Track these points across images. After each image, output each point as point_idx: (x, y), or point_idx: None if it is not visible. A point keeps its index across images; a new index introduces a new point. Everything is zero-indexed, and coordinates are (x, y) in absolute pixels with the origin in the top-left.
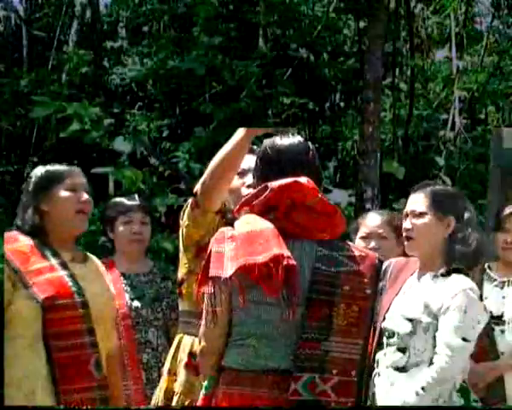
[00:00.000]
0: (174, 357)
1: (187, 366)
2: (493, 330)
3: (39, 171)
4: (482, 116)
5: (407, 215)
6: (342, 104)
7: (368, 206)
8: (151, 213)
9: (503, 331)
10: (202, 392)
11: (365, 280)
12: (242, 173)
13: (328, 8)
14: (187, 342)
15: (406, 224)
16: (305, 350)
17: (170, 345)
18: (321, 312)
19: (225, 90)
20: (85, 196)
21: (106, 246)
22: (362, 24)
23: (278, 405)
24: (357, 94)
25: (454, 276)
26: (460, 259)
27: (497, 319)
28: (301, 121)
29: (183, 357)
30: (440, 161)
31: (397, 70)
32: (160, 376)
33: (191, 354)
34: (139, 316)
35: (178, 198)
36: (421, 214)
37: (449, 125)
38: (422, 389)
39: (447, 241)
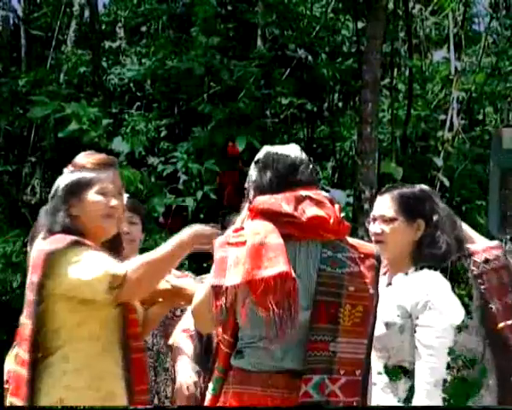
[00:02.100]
0: None
1: None
2: None
3: (70, 177)
4: (480, 117)
5: (375, 219)
6: (340, 105)
7: (366, 206)
8: (141, 211)
9: None
10: (209, 392)
11: (367, 280)
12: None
13: (326, 8)
14: None
15: (375, 228)
16: (314, 352)
17: (166, 344)
18: (328, 313)
19: (224, 91)
20: (114, 202)
21: None
22: (360, 24)
23: (289, 405)
24: (356, 94)
25: (424, 272)
26: (429, 260)
27: None
28: (299, 122)
29: None
30: (438, 161)
31: (395, 70)
32: (156, 375)
33: None
34: None
35: (176, 198)
36: (391, 220)
37: (447, 125)
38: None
39: (417, 243)
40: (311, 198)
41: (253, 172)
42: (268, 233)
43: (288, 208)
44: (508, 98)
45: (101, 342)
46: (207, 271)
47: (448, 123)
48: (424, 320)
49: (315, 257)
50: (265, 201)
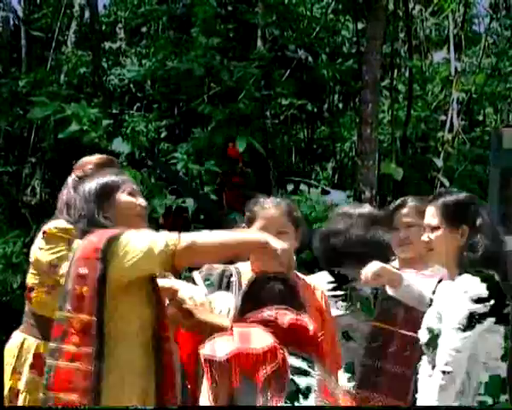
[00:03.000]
0: (18, 357)
1: (32, 365)
2: None
3: (96, 182)
4: (480, 117)
5: (425, 228)
6: (340, 105)
7: None
8: None
9: None
10: None
11: None
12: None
13: (326, 9)
14: (31, 344)
15: (424, 237)
16: None
17: None
18: None
19: (224, 91)
20: (143, 201)
21: None
22: (360, 25)
23: None
24: (356, 95)
25: (462, 277)
26: (468, 266)
27: None
28: (299, 122)
29: (28, 357)
30: (438, 162)
31: (395, 71)
32: None
33: (36, 355)
34: None
35: (177, 199)
36: (436, 228)
37: (447, 126)
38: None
39: (461, 249)
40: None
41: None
42: (253, 327)
43: (269, 317)
44: (508, 99)
45: (140, 340)
46: None
47: (448, 124)
48: (448, 323)
49: None
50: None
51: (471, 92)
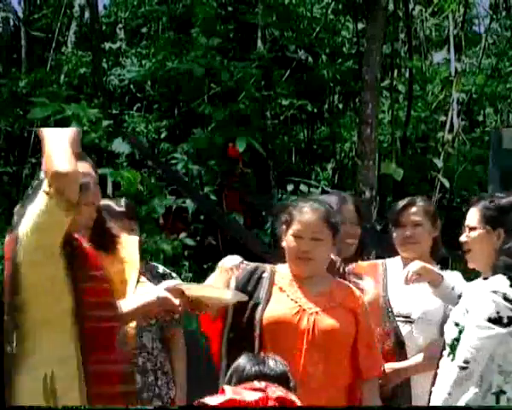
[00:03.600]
0: None
1: None
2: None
3: None
4: (480, 118)
5: (464, 230)
6: (340, 106)
7: None
8: (137, 216)
9: (411, 332)
10: None
11: None
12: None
13: (326, 9)
14: None
15: (462, 237)
16: None
17: (164, 348)
18: None
19: (224, 92)
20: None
21: None
22: (360, 25)
23: None
24: (356, 95)
25: (493, 277)
26: (504, 269)
27: (405, 318)
28: (300, 123)
29: None
30: (439, 162)
31: (395, 72)
32: (156, 379)
33: None
34: None
35: (177, 199)
36: (473, 228)
37: (447, 126)
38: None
39: (497, 252)
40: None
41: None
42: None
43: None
44: (508, 99)
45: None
46: (207, 271)
47: (448, 124)
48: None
49: None
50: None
51: (471, 93)
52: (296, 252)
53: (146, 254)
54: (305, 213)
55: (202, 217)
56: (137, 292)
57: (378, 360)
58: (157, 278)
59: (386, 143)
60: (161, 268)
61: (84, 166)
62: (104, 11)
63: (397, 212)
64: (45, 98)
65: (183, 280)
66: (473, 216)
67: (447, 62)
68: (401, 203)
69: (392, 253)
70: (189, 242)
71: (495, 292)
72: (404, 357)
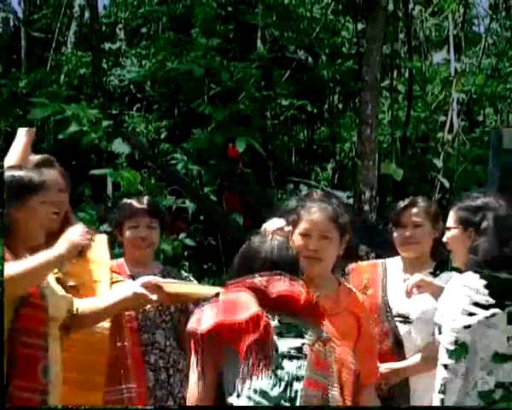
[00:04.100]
0: None
1: None
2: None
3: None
4: (480, 118)
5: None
6: (340, 106)
7: (366, 207)
8: (160, 214)
9: (409, 332)
10: None
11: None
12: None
13: (326, 9)
14: None
15: (443, 238)
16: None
17: (179, 347)
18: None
19: (224, 92)
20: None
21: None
22: (360, 26)
23: None
24: (356, 96)
25: (462, 274)
26: (475, 267)
27: (404, 318)
28: (299, 123)
29: None
30: (438, 163)
31: (395, 72)
32: (168, 376)
33: None
34: (146, 318)
35: (177, 200)
36: (449, 229)
37: (447, 127)
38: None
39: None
40: (285, 276)
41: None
42: (240, 293)
43: (260, 283)
44: (508, 99)
45: None
46: (207, 271)
47: (448, 124)
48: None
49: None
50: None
51: (471, 93)
52: (303, 250)
53: None
54: (314, 212)
55: (202, 217)
56: (115, 290)
57: (377, 366)
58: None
59: (386, 143)
60: (174, 270)
61: (50, 174)
62: (104, 11)
63: (397, 212)
64: (45, 98)
65: None
66: (450, 217)
67: (447, 62)
68: (402, 204)
69: (392, 253)
70: (189, 242)
71: (464, 286)
72: (402, 357)
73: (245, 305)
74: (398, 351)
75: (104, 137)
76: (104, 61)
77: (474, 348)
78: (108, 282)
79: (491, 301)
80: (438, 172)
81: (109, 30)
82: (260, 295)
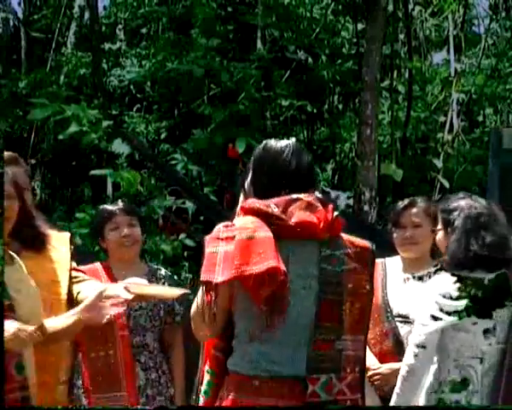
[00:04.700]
0: None
1: None
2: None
3: None
4: (480, 118)
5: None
6: (340, 106)
7: (366, 208)
8: (138, 213)
9: (410, 332)
10: (201, 395)
11: (364, 277)
12: None
13: (326, 10)
14: None
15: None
16: (320, 351)
17: (162, 348)
18: (332, 312)
19: (224, 92)
20: None
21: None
22: (360, 26)
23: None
24: (356, 96)
25: (435, 276)
26: (445, 268)
27: (404, 318)
28: (299, 123)
29: None
30: (438, 163)
31: (395, 72)
32: (159, 377)
33: None
34: (137, 324)
35: (176, 200)
36: (436, 231)
37: (447, 127)
38: None
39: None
40: (301, 201)
41: (248, 172)
42: (257, 228)
43: (276, 211)
44: (507, 100)
45: None
46: None
47: (448, 125)
48: None
49: (314, 256)
50: (256, 201)
51: (471, 93)
52: None
53: (145, 254)
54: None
55: (202, 217)
56: (81, 289)
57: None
58: (161, 280)
59: (385, 143)
60: (163, 270)
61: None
62: (104, 12)
63: (397, 212)
64: (45, 99)
65: (182, 281)
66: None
67: (447, 63)
68: (401, 204)
69: (392, 253)
70: (189, 242)
71: (434, 289)
72: (402, 357)
73: (262, 253)
74: (398, 351)
75: (104, 138)
76: (104, 61)
77: (447, 352)
78: (67, 283)
79: (459, 305)
80: (438, 173)
81: (109, 30)
82: (275, 226)
